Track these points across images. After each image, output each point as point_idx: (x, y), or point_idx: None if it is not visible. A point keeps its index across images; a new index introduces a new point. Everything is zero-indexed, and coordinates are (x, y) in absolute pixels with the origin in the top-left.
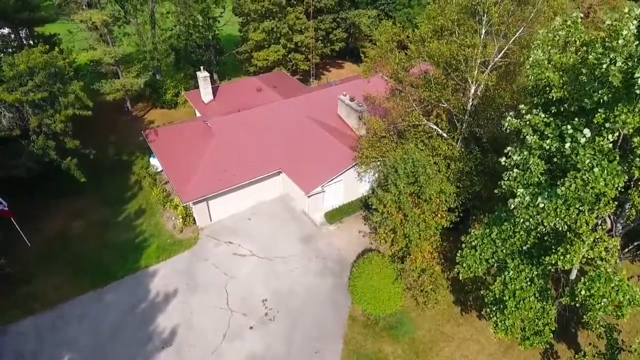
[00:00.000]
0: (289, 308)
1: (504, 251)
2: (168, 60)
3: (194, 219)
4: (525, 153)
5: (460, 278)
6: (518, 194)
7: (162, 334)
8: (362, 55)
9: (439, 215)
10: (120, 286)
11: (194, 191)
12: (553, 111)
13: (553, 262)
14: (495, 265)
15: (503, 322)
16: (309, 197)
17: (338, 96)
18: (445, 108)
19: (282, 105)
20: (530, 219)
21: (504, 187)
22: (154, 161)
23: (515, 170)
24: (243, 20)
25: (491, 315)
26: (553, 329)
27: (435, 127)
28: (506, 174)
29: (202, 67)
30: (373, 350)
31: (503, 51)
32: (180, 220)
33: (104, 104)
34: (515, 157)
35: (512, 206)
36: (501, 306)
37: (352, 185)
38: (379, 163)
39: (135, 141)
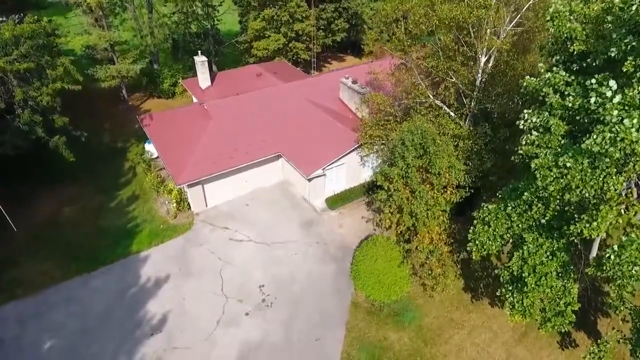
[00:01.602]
0: (287, 294)
1: (520, 226)
2: (165, 45)
3: (188, 205)
4: (545, 114)
5: (473, 257)
6: (540, 154)
7: (152, 320)
8: (363, 45)
9: (448, 191)
10: (109, 271)
11: (188, 173)
12: (575, 69)
13: (578, 230)
14: (511, 241)
15: (520, 302)
16: (309, 180)
17: (340, 79)
18: (453, 83)
19: (282, 88)
20: (555, 183)
21: (521, 151)
22: (149, 147)
23: (534, 133)
24: (243, 10)
25: (507, 296)
26: (576, 309)
27: (442, 104)
28: (523, 137)
29: (199, 52)
30: (377, 337)
31: (516, 19)
32: (174, 204)
33: (99, 92)
34: (534, 119)
35: (534, 167)
36: (519, 285)
37: (354, 170)
38: (383, 144)
39: (130, 130)
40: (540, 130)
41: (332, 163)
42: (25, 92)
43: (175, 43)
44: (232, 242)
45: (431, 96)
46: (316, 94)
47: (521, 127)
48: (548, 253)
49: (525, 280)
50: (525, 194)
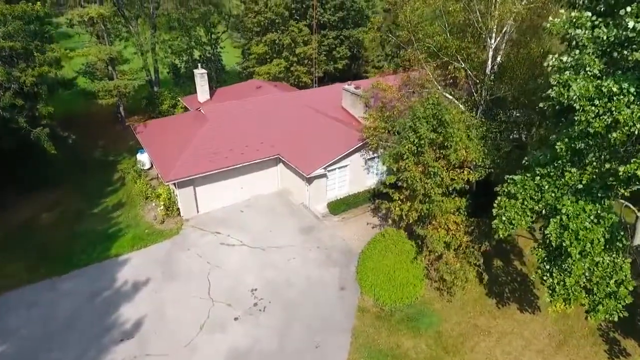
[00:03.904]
0: (283, 299)
1: (554, 195)
2: (166, 61)
3: (178, 210)
4: (576, 52)
5: (500, 236)
6: (578, 80)
7: (124, 325)
8: (366, 75)
9: (465, 171)
10: (82, 274)
11: (179, 169)
12: (601, 10)
13: (630, 172)
14: (543, 212)
15: (562, 283)
16: (308, 179)
17: (342, 87)
18: (462, 68)
19: (283, 96)
20: (598, 120)
21: (553, 94)
22: (142, 157)
23: (566, 73)
24: (247, 40)
25: (544, 278)
26: (631, 288)
27: (450, 97)
28: (555, 79)
29: (199, 65)
30: (389, 344)
31: None
32: (162, 207)
33: (96, 112)
34: (563, 59)
35: (573, 96)
36: (559, 261)
37: (358, 174)
38: (386, 143)
39: (124, 146)
40: (572, 70)
41: (335, 163)
42: (8, 72)
43: (176, 69)
44: (224, 247)
45: (439, 87)
46: (318, 102)
47: (549, 69)
48: (592, 217)
49: (568, 250)
50: (558, 144)
